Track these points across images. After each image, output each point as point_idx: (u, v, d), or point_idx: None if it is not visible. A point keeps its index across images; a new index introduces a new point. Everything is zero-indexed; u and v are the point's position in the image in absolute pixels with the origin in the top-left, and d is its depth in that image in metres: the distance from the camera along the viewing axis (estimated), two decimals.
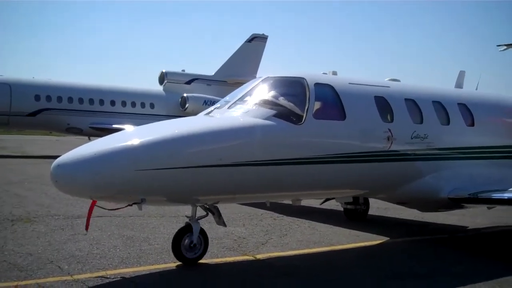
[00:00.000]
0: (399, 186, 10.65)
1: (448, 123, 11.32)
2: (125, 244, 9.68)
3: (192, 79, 36.58)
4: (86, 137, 32.59)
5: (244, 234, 11.03)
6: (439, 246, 11.01)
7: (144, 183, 7.56)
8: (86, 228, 8.42)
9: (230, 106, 9.05)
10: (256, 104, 8.95)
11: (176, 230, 8.76)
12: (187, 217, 8.75)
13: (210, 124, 8.38)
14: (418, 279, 8.37)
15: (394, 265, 9.24)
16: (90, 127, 33.14)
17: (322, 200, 12.97)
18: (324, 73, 10.83)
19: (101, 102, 33.90)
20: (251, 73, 33.00)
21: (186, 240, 8.51)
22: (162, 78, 37.02)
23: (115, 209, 8.49)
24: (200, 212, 8.88)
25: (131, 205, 7.94)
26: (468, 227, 13.31)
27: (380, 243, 10.99)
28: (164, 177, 7.61)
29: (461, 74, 14.64)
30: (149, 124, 8.97)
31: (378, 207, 14.75)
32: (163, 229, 11.09)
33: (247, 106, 8.92)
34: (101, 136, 8.69)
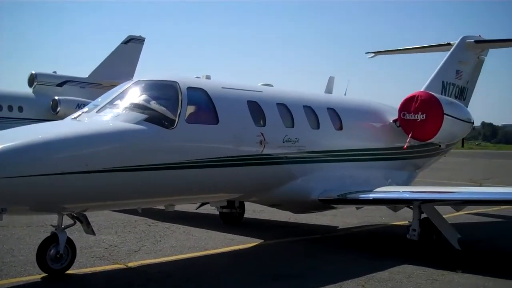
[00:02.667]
0: (272, 189, 10.82)
1: (318, 127, 11.68)
2: None
3: (65, 81, 35.03)
4: None
5: (116, 242, 10.71)
6: (311, 246, 11.32)
7: (5, 192, 7.08)
8: None
9: (98, 110, 8.75)
10: (126, 108, 8.73)
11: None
12: (53, 226, 8.33)
13: (76, 129, 8.03)
14: (290, 279, 8.52)
15: (267, 267, 9.36)
16: None
17: (197, 205, 12.92)
18: (197, 77, 10.77)
19: None
20: (127, 76, 32.03)
21: (52, 251, 8.09)
22: (32, 80, 35.08)
23: None
24: (67, 221, 8.50)
25: None
26: (338, 227, 13.81)
27: (254, 246, 11.12)
28: (27, 185, 7.18)
29: (331, 80, 15.12)
30: (11, 129, 8.45)
31: (254, 210, 14.93)
32: (29, 239, 10.51)
33: (117, 110, 8.67)
34: None
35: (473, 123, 15.45)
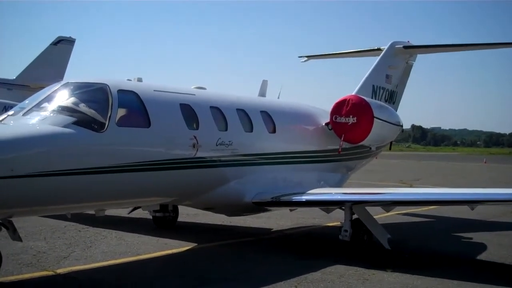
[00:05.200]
0: (205, 193, 10.77)
1: (251, 130, 11.71)
2: None
3: None
4: None
5: (44, 248, 10.40)
6: (245, 249, 11.34)
7: None
8: None
9: (25, 113, 8.48)
10: (54, 110, 8.49)
11: None
12: None
13: (1, 132, 7.72)
14: (223, 283, 8.52)
15: (201, 270, 9.32)
16: None
17: (129, 209, 12.71)
18: (128, 80, 10.60)
19: None
20: (57, 78, 31.17)
21: None
22: None
23: None
24: None
25: None
26: (272, 229, 13.89)
27: (188, 250, 11.04)
28: None
29: (264, 83, 15.21)
30: None
31: (188, 213, 14.83)
32: None
33: (44, 113, 8.42)
34: None
35: (402, 126, 15.89)
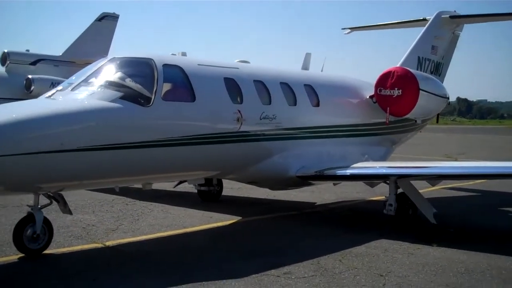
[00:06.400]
0: (249, 166, 10.81)
1: (295, 103, 11.66)
2: None
3: (38, 60, 34.44)
4: None
5: (93, 221, 10.65)
6: (289, 222, 11.37)
7: None
8: None
9: (73, 88, 8.64)
10: (101, 85, 8.62)
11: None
12: (29, 206, 8.25)
13: (50, 108, 7.90)
14: (268, 256, 8.54)
15: (246, 244, 9.41)
16: None
17: (175, 183, 12.88)
18: (173, 54, 10.66)
19: None
20: (102, 53, 31.49)
21: (29, 231, 8.03)
22: (4, 58, 34.35)
23: None
24: (44, 200, 8.44)
25: None
26: (316, 203, 13.89)
27: (233, 223, 11.14)
28: (1, 165, 7.07)
29: (308, 56, 15.09)
30: None
31: (231, 187, 14.95)
32: (5, 220, 10.37)
33: (92, 88, 8.56)
34: None
35: (448, 98, 15.57)
